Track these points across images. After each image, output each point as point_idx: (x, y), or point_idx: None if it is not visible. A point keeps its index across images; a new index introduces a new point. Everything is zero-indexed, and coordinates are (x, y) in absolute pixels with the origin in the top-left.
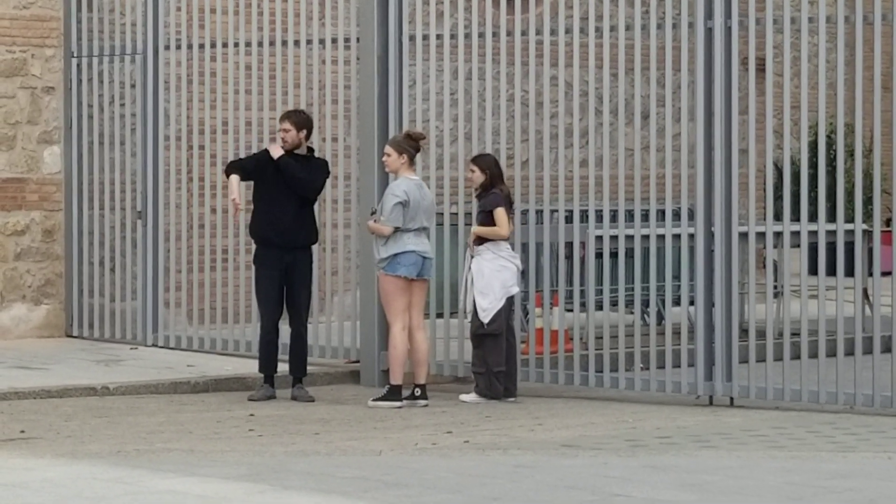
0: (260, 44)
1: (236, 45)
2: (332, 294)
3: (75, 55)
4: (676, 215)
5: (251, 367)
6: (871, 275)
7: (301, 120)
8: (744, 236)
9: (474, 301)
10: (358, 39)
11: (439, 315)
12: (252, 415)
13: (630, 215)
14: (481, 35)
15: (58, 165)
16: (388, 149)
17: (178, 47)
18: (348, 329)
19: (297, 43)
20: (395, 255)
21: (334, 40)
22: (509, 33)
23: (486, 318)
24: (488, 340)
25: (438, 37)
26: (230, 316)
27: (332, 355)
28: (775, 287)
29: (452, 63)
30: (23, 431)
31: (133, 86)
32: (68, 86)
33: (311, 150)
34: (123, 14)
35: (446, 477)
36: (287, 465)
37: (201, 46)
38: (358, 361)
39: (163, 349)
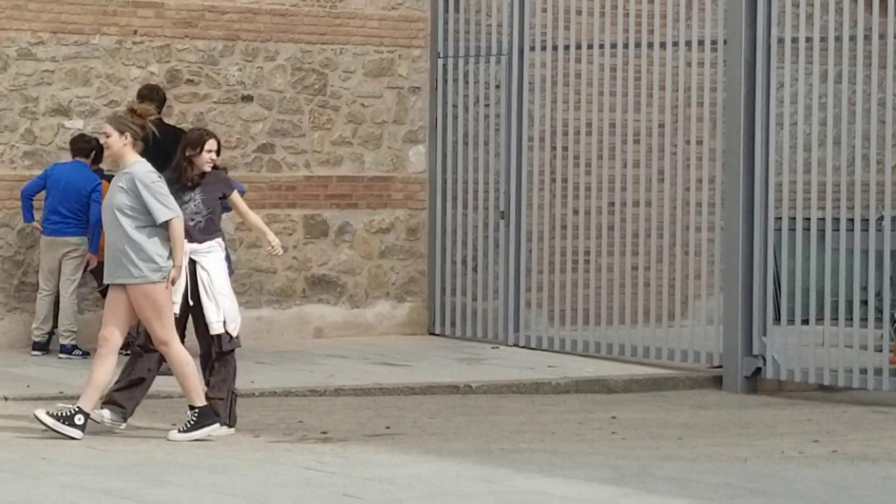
0: (625, 45)
1: (601, 46)
2: (694, 298)
3: (441, 55)
4: None
5: (612, 370)
6: None
7: None
8: None
9: (203, 310)
10: (725, 41)
11: (804, 321)
12: (614, 417)
13: None
14: (852, 38)
15: (422, 164)
16: (107, 128)
17: (543, 48)
18: (711, 333)
19: (662, 45)
20: None
21: (701, 42)
22: (882, 36)
23: (235, 329)
24: (231, 358)
25: (808, 39)
26: (591, 317)
27: (695, 360)
28: None
29: (821, 66)
30: (388, 427)
31: (498, 86)
32: (434, 86)
33: None
34: (489, 15)
35: (814, 487)
36: (651, 469)
37: (566, 48)
38: (721, 366)
39: (524, 349)
